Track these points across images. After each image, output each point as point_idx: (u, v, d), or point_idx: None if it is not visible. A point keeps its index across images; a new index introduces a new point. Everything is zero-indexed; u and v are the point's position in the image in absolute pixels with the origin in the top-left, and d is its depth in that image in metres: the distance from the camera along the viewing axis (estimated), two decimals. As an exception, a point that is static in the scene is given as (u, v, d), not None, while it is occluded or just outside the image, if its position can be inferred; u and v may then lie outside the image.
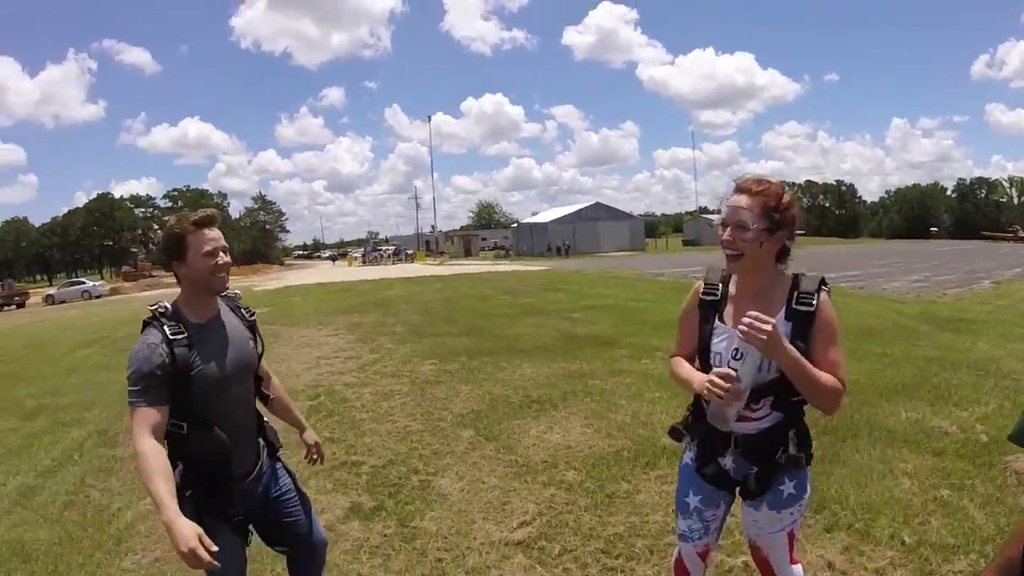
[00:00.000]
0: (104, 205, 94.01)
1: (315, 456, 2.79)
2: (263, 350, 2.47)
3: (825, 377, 1.88)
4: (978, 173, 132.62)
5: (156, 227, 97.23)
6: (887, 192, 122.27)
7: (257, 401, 2.48)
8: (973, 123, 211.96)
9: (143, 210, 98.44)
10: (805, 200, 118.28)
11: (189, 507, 2.05)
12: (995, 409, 5.43)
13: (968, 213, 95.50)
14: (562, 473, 4.46)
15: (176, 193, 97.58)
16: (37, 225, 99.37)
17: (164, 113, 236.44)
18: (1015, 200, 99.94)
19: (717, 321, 2.06)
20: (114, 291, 42.90)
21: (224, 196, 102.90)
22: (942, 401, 5.73)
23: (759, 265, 1.97)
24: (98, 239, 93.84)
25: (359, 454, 5.04)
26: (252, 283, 36.80)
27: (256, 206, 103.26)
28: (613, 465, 4.54)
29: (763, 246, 1.92)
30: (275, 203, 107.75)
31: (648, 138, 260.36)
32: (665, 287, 18.99)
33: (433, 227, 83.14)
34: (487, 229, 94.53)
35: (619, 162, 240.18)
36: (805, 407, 2.01)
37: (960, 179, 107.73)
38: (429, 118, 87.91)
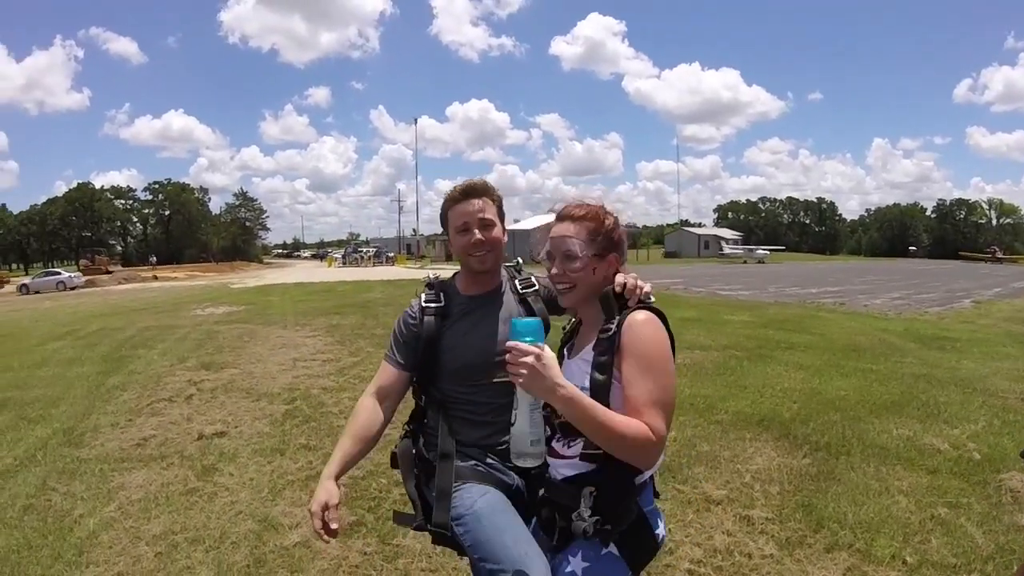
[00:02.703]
0: (84, 195, 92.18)
1: None
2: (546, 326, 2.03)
3: (620, 422, 1.46)
4: (957, 194, 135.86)
5: (135, 220, 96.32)
6: (867, 210, 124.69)
7: None
8: (954, 145, 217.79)
9: (123, 202, 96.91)
10: (786, 216, 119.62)
11: (412, 481, 2.03)
12: (985, 427, 5.38)
13: (947, 233, 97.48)
14: None
15: (157, 186, 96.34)
16: (15, 213, 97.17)
17: (148, 105, 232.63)
18: (993, 222, 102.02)
19: (565, 352, 1.83)
20: (90, 283, 42.16)
21: (205, 191, 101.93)
22: (932, 418, 5.68)
23: (595, 293, 1.69)
24: (76, 229, 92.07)
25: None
26: (230, 280, 36.31)
27: (237, 202, 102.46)
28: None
29: (596, 272, 1.69)
30: (256, 200, 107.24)
31: (632, 150, 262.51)
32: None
33: (415, 231, 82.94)
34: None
35: (603, 173, 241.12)
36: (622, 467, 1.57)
37: (940, 200, 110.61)
38: (415, 121, 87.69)
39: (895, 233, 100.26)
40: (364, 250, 68.63)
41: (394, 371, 2.02)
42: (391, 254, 65.40)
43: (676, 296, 19.55)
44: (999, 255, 57.38)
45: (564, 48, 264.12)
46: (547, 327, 1.97)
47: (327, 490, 1.79)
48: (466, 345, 1.98)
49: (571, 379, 1.51)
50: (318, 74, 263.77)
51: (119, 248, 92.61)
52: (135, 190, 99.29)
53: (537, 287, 2.14)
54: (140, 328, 12.88)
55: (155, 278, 46.50)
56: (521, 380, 1.44)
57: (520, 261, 2.25)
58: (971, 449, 4.81)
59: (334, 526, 1.75)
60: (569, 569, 1.61)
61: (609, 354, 1.56)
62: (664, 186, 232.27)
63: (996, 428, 5.34)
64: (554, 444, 1.67)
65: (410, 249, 74.92)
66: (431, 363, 2.00)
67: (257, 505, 4.04)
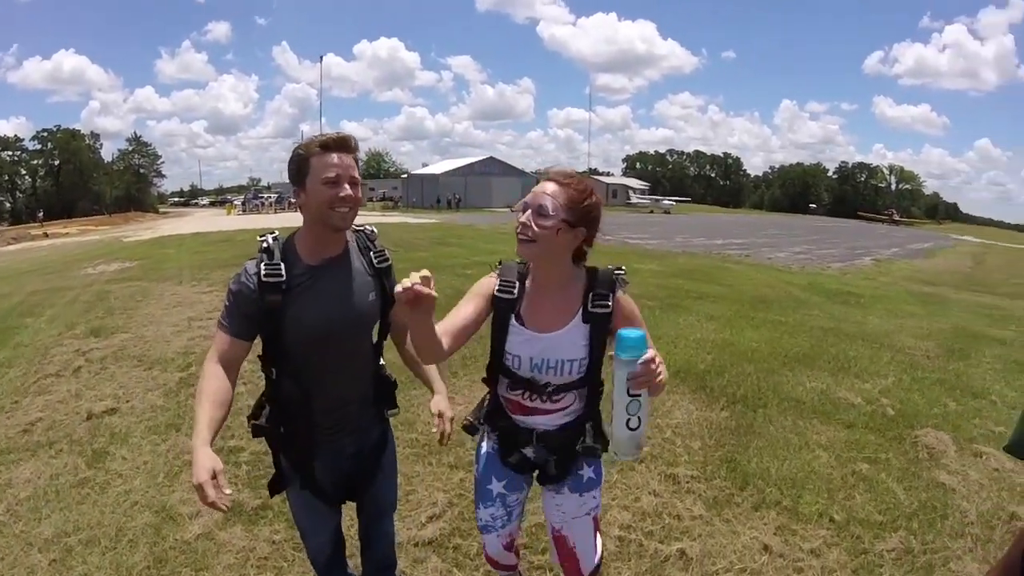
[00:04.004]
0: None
1: (437, 429, 2.26)
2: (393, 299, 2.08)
3: None
4: (859, 159, 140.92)
5: (24, 172, 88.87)
6: (771, 168, 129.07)
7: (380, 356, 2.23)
8: (860, 112, 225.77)
9: (10, 153, 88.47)
10: (693, 169, 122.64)
11: (280, 454, 2.12)
12: (895, 382, 5.56)
13: (847, 194, 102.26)
14: (469, 453, 3.96)
15: (46, 134, 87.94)
16: None
17: (38, 45, 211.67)
18: (893, 186, 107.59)
19: (513, 321, 1.94)
20: (-33, 244, 38.92)
21: (96, 137, 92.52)
22: (843, 372, 5.83)
23: (552, 257, 1.88)
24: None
25: (238, 438, 4.20)
26: (124, 233, 34.04)
27: (130, 148, 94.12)
28: (525, 440, 4.21)
29: (559, 235, 1.82)
30: (151, 145, 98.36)
31: (544, 96, 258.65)
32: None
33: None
34: (375, 179, 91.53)
35: (514, 118, 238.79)
36: (599, 399, 2.04)
37: (842, 162, 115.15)
38: (321, 58, 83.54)
39: (797, 191, 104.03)
40: (265, 196, 65.05)
41: (233, 340, 1.94)
42: (294, 200, 62.76)
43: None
44: (896, 218, 60.83)
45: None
46: (393, 302, 2.03)
47: (209, 456, 1.71)
48: (311, 318, 1.94)
49: (564, 352, 1.90)
50: (218, 7, 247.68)
51: (8, 204, 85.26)
52: (23, 140, 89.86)
53: (391, 262, 2.14)
54: (28, 293, 11.74)
55: (46, 235, 43.26)
56: (660, 386, 1.70)
57: (375, 230, 2.17)
58: (884, 404, 4.95)
59: (228, 491, 1.71)
60: (587, 477, 2.08)
61: (604, 327, 1.90)
62: (574, 134, 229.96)
63: (906, 384, 5.53)
64: (536, 403, 1.99)
65: (314, 194, 72.27)
66: (274, 334, 1.97)
67: (153, 493, 3.64)
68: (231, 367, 1.94)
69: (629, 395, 1.67)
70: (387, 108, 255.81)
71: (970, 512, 3.40)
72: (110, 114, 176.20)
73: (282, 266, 1.92)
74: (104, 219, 62.20)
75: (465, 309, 1.92)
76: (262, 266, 1.90)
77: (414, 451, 4.08)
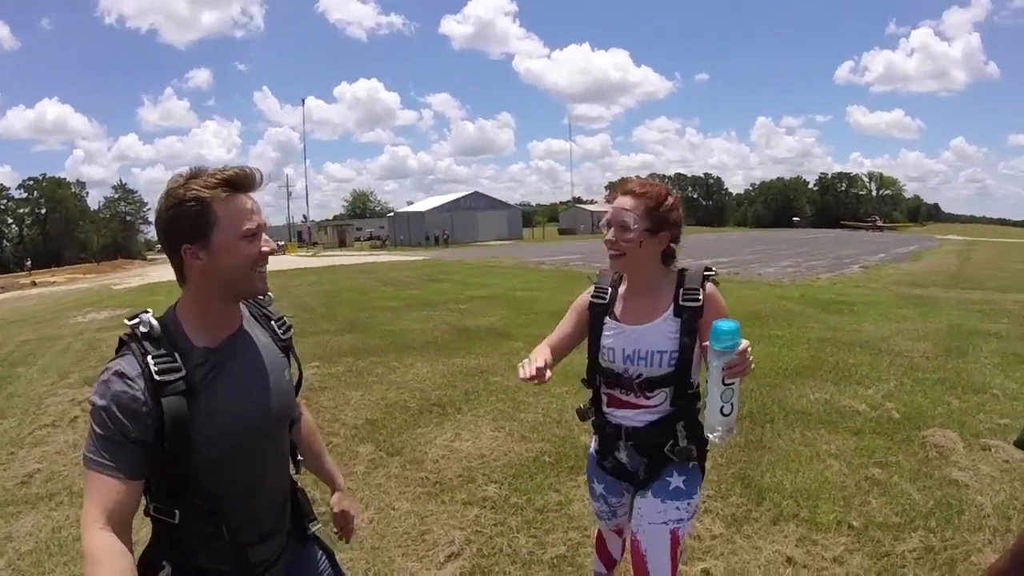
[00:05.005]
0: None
1: (338, 532, 1.89)
2: (300, 381, 1.67)
3: None
4: (838, 169, 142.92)
5: (10, 221, 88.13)
6: (752, 184, 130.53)
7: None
8: (835, 123, 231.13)
9: None
10: (675, 191, 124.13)
11: None
12: (897, 386, 5.59)
13: (829, 204, 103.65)
14: (482, 488, 3.99)
15: (32, 183, 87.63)
16: None
17: (21, 94, 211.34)
18: (874, 193, 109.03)
19: (608, 319, 2.07)
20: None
21: (82, 185, 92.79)
22: (845, 380, 5.85)
23: (641, 264, 2.00)
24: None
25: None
26: (112, 280, 33.81)
27: (116, 196, 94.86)
28: (537, 473, 4.13)
29: (643, 246, 1.95)
30: (136, 192, 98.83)
31: (524, 129, 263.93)
32: (549, 275, 19.00)
33: (305, 217, 79.90)
34: (362, 219, 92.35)
35: (495, 152, 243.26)
36: (691, 401, 2.01)
37: (822, 173, 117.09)
38: (302, 102, 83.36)
39: (779, 205, 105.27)
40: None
41: (122, 484, 1.28)
42: (282, 242, 62.80)
43: (575, 271, 19.83)
44: (879, 223, 61.62)
45: (454, 27, 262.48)
46: (301, 380, 1.68)
47: None
48: (227, 418, 1.39)
49: (654, 343, 1.95)
50: (199, 55, 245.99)
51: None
52: (9, 188, 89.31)
53: (291, 327, 1.66)
54: (19, 343, 11.62)
55: (34, 284, 42.87)
56: (746, 373, 1.71)
57: (271, 296, 1.64)
58: (889, 408, 4.97)
59: None
60: (674, 486, 2.00)
61: (694, 320, 1.93)
62: (556, 164, 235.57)
63: (908, 387, 5.56)
64: (625, 397, 2.02)
65: (301, 236, 71.92)
66: (179, 455, 1.34)
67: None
68: (124, 526, 1.28)
69: (724, 384, 1.70)
70: (370, 148, 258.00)
71: (985, 505, 3.42)
72: (95, 162, 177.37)
73: (176, 356, 1.37)
74: (92, 267, 61.73)
75: (565, 325, 2.14)
76: (150, 360, 1.34)
77: (425, 489, 4.03)
